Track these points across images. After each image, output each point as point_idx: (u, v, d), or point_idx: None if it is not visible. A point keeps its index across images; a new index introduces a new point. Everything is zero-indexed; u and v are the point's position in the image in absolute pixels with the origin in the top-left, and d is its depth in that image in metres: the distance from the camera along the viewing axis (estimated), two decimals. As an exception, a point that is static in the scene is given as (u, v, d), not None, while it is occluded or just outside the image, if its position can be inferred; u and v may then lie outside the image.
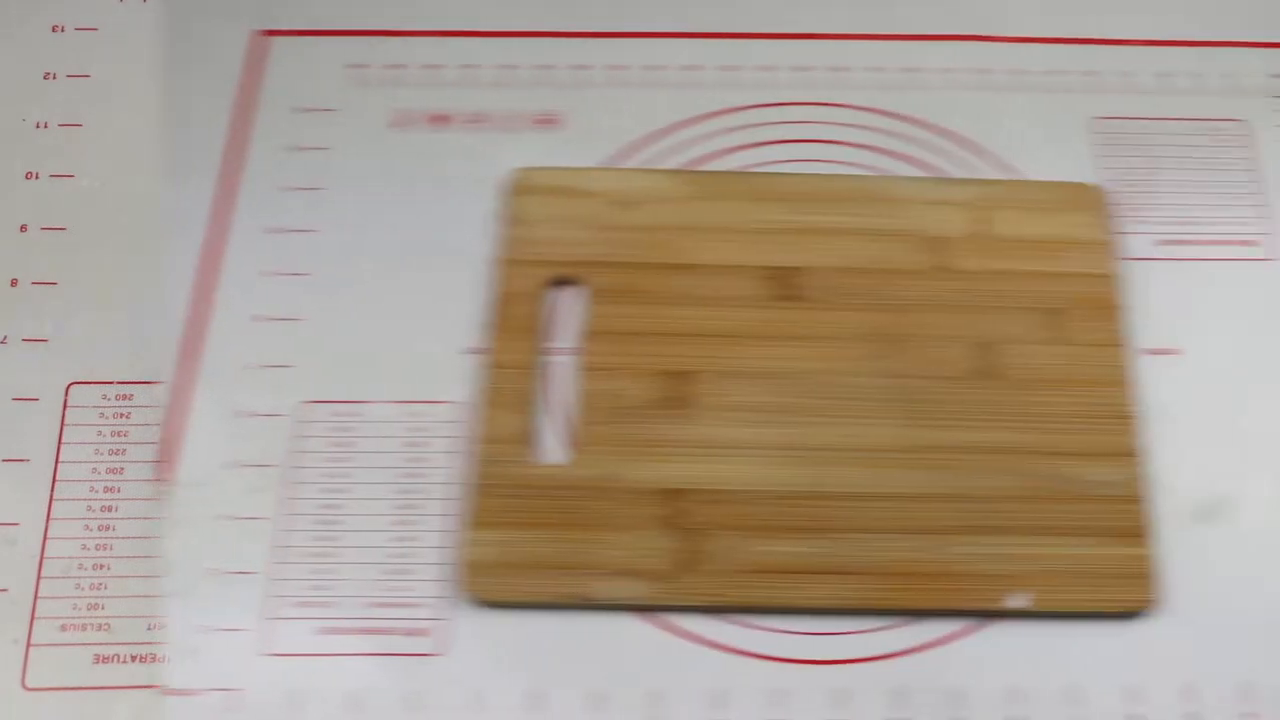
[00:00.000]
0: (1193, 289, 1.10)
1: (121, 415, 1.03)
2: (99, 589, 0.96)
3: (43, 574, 0.97)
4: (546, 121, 1.17)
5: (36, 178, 1.15)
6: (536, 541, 0.97)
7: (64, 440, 1.02)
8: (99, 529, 0.98)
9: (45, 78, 1.20)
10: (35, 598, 0.96)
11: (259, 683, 0.93)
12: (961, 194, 1.12)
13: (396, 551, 0.98)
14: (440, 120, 1.17)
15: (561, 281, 1.08)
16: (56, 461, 1.01)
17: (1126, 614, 0.96)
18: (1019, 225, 1.10)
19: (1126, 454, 1.01)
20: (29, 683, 0.93)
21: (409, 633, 0.95)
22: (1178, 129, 1.18)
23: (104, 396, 1.04)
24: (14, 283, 1.09)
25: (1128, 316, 1.07)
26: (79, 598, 0.96)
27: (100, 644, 0.94)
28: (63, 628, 0.95)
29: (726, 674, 0.94)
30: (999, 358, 1.04)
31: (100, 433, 1.02)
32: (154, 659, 0.94)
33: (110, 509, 0.99)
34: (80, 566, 0.97)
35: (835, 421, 1.02)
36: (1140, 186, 1.15)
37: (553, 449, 1.02)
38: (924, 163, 1.16)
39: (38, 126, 1.17)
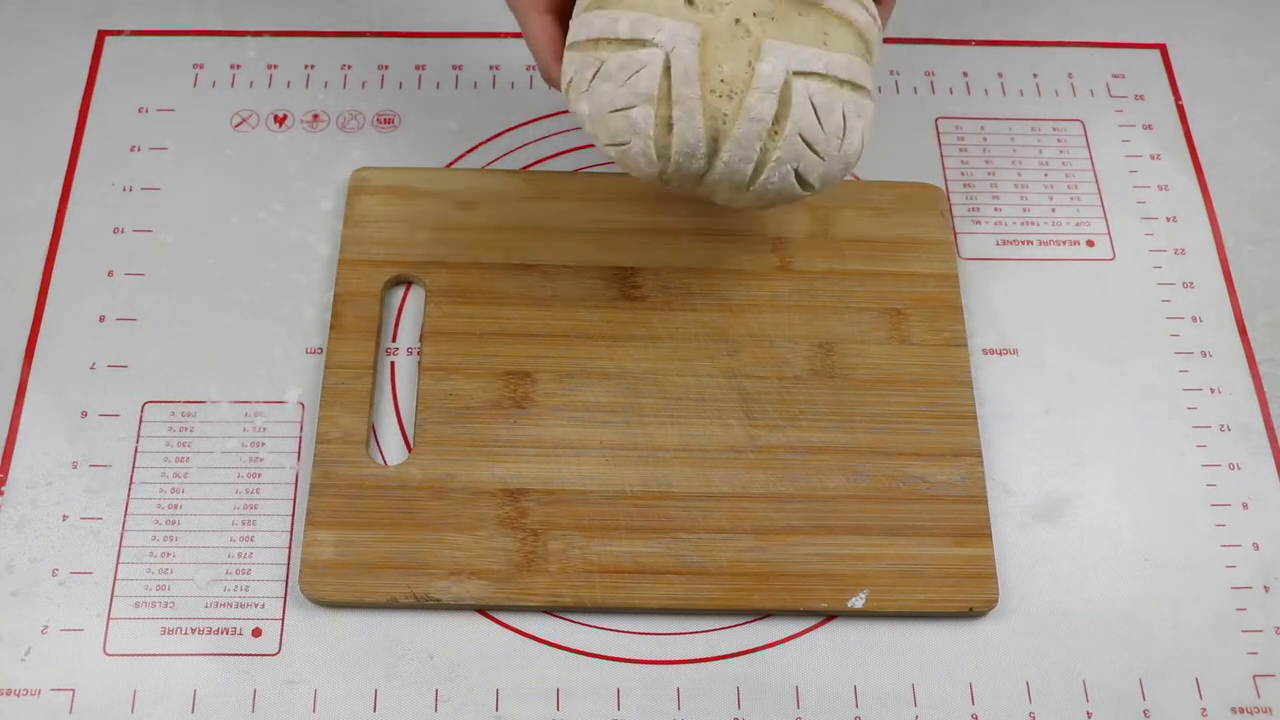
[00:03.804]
0: (1031, 289, 1.14)
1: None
2: (166, 573, 1.00)
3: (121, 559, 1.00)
4: (386, 121, 1.20)
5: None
6: (374, 541, 0.99)
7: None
8: (167, 524, 1.01)
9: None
10: (115, 579, 1.00)
11: (99, 682, 0.96)
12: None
13: (236, 552, 1.00)
14: (280, 120, 1.20)
15: (400, 281, 1.11)
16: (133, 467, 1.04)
17: (968, 614, 1.00)
18: (859, 226, 1.13)
19: (967, 454, 1.04)
20: (109, 649, 0.97)
21: (247, 633, 0.98)
22: (1018, 129, 1.23)
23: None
24: None
25: (967, 316, 1.11)
26: (149, 580, 0.99)
27: (167, 618, 0.98)
28: (136, 604, 0.98)
29: (566, 673, 0.98)
30: (839, 358, 1.08)
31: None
32: (210, 631, 0.98)
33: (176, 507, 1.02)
34: (151, 554, 1.00)
35: (675, 421, 1.05)
36: (980, 187, 1.19)
37: (391, 449, 1.05)
38: (764, 163, 1.18)
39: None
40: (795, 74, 0.90)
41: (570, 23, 0.95)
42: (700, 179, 0.93)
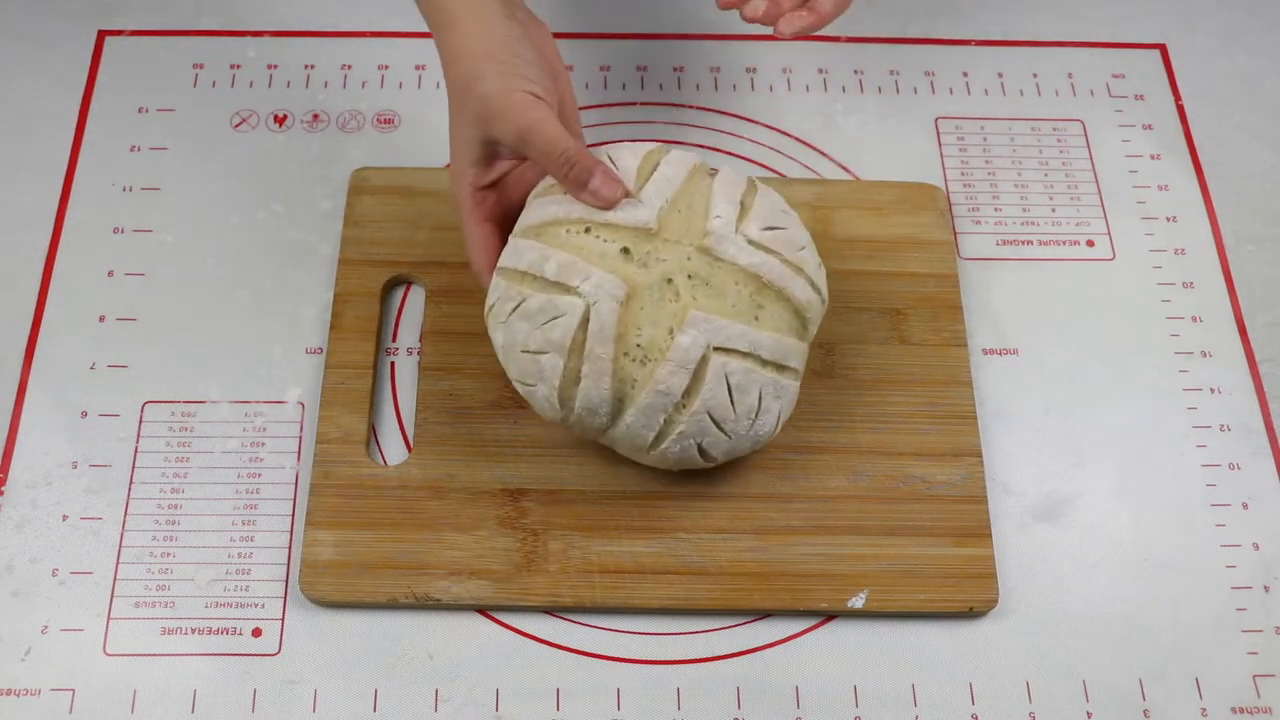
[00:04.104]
0: (1031, 289, 1.14)
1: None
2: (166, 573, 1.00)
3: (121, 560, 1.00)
4: (386, 121, 1.20)
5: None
6: (374, 541, 0.99)
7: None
8: (167, 524, 1.01)
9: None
10: (115, 579, 1.00)
11: (99, 682, 0.96)
12: (802, 194, 1.14)
13: (236, 552, 1.01)
14: (280, 120, 1.20)
15: (400, 281, 1.11)
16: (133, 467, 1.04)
17: (968, 614, 1.00)
18: (859, 225, 1.13)
19: (967, 454, 1.04)
20: (109, 649, 0.97)
21: (247, 633, 0.98)
22: (1018, 129, 1.22)
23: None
24: None
25: (967, 316, 1.11)
26: (149, 580, 1.00)
27: (166, 618, 0.98)
28: (136, 604, 0.98)
29: (566, 673, 0.98)
30: (839, 358, 1.07)
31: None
32: (210, 631, 0.98)
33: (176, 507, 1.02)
34: (151, 554, 1.00)
35: (675, 421, 1.04)
36: (980, 187, 1.19)
37: (391, 449, 1.05)
38: (765, 163, 1.19)
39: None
40: (716, 349, 0.91)
41: (510, 237, 0.96)
42: (603, 433, 0.94)
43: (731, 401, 0.91)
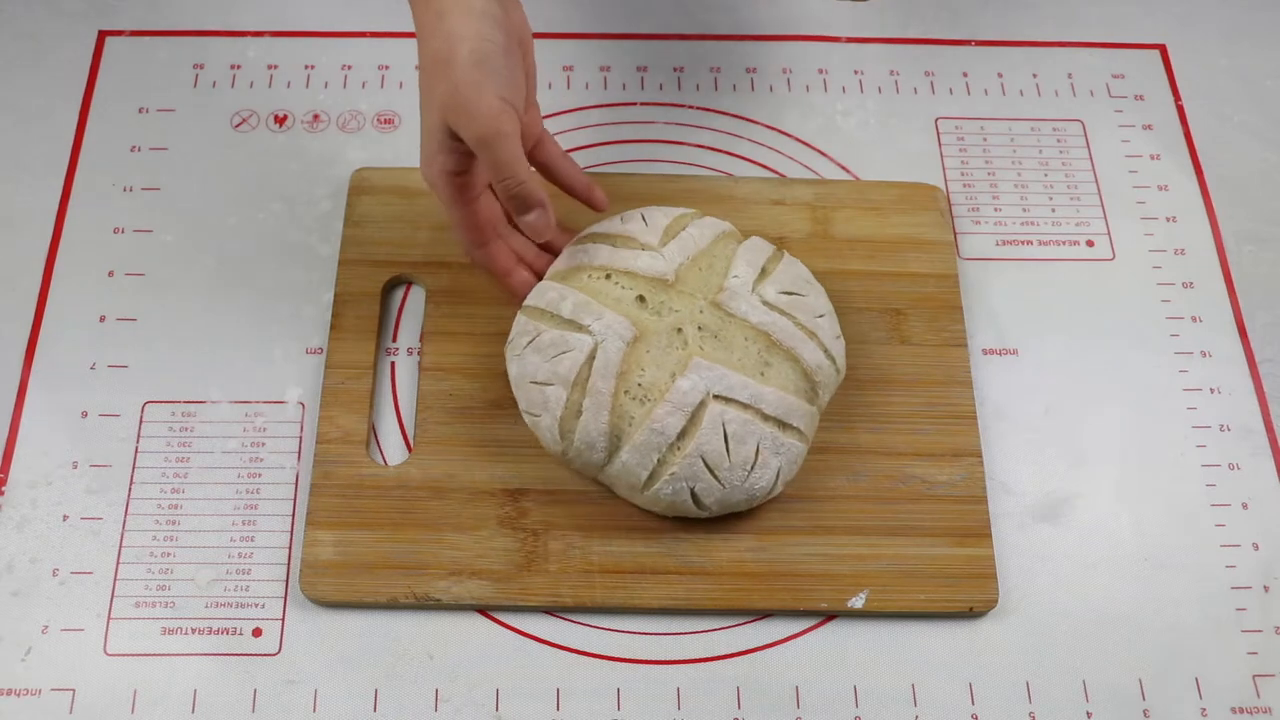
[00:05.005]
0: (1031, 289, 1.14)
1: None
2: (166, 573, 1.00)
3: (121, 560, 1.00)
4: (386, 121, 1.20)
5: None
6: (374, 541, 0.99)
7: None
8: (167, 524, 1.01)
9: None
10: (115, 579, 1.00)
11: (99, 682, 0.96)
12: (802, 194, 1.14)
13: (236, 552, 1.00)
14: (280, 120, 1.20)
15: (400, 281, 1.11)
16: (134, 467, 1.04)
17: (968, 614, 1.00)
18: (859, 225, 1.13)
19: (967, 454, 1.04)
20: (109, 649, 0.97)
21: (247, 633, 0.98)
22: (1018, 129, 1.22)
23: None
24: None
25: (967, 316, 1.11)
26: (150, 580, 1.00)
27: (167, 619, 0.98)
28: (136, 604, 0.99)
29: (566, 673, 0.98)
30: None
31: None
32: (210, 631, 0.98)
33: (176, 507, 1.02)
34: (151, 554, 1.00)
35: (675, 421, 1.04)
36: (980, 187, 1.19)
37: (391, 449, 1.05)
38: (765, 163, 1.19)
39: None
40: (716, 397, 0.93)
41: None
42: (600, 469, 0.96)
43: (727, 449, 0.93)
